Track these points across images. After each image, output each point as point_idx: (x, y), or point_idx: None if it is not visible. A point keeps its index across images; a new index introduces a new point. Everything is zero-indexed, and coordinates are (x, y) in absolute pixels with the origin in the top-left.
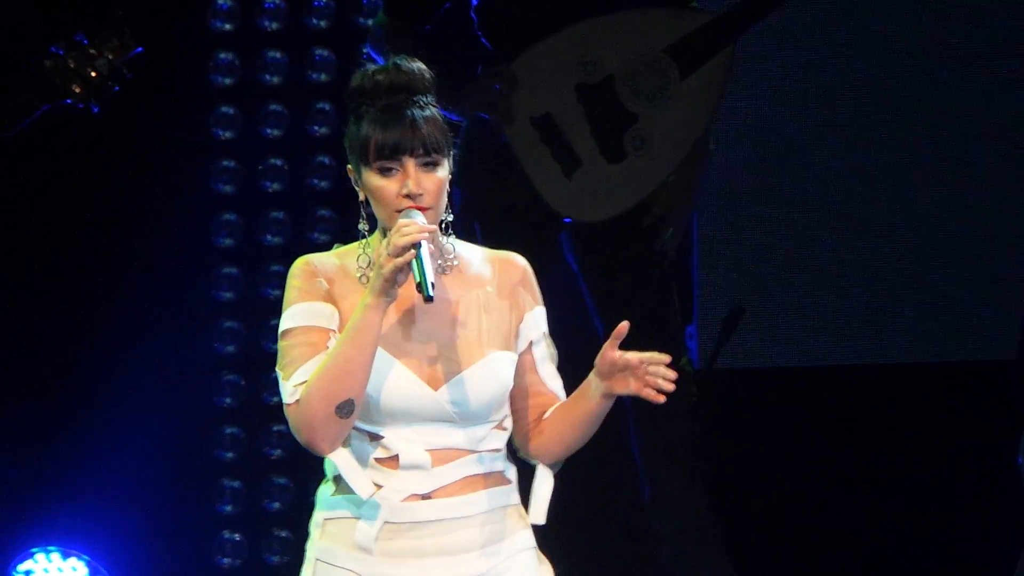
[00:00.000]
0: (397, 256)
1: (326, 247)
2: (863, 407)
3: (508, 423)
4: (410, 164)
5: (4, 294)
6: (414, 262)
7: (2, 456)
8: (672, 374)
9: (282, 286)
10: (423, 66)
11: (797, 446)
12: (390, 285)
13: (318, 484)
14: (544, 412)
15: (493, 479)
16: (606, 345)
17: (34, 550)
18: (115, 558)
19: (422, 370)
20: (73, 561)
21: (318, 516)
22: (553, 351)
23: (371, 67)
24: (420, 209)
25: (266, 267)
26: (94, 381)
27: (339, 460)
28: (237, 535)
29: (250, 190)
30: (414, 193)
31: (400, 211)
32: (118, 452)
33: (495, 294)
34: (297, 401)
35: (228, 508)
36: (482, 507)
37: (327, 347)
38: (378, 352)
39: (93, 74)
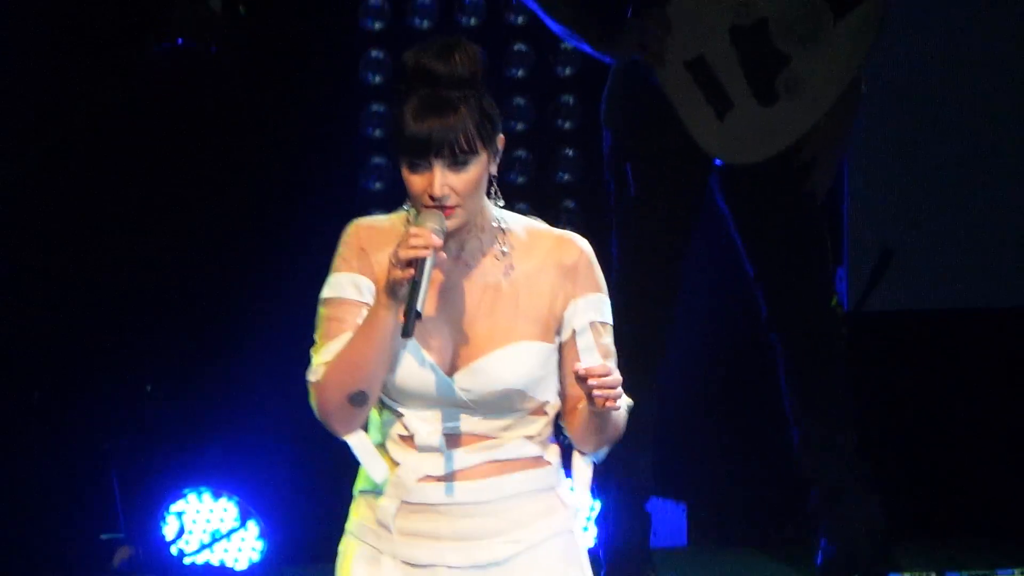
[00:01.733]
0: (400, 268)
1: None
2: (1015, 350)
3: (551, 407)
4: (437, 164)
5: (166, 247)
6: (408, 284)
7: (156, 398)
8: (613, 381)
9: None
10: (475, 53)
11: (946, 388)
12: (395, 291)
13: None
14: (580, 403)
15: (523, 464)
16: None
17: (186, 490)
18: (265, 499)
19: (441, 354)
20: (224, 501)
21: (355, 489)
22: (606, 341)
23: (419, 48)
24: (447, 210)
25: None
26: (248, 325)
27: (354, 442)
28: None
29: (395, 185)
30: (436, 196)
31: (426, 207)
32: (269, 393)
33: (537, 277)
34: (317, 381)
35: None
36: (505, 491)
37: (357, 322)
38: None
39: (208, 13)
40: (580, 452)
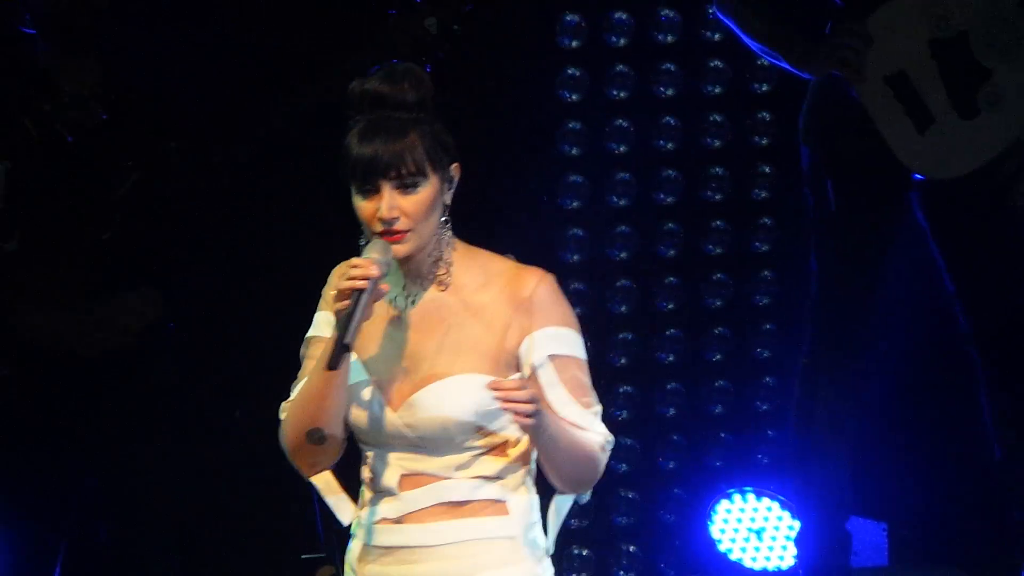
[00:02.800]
0: (338, 300)
1: (765, 257)
2: None
3: (516, 449)
4: (385, 187)
5: None
6: (342, 316)
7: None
8: (520, 395)
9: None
10: (424, 78)
11: None
12: (339, 323)
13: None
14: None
15: (476, 508)
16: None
17: (731, 491)
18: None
19: (388, 389)
20: (767, 501)
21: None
22: (576, 374)
23: (365, 76)
24: (396, 234)
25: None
26: None
27: (320, 484)
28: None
29: (597, 201)
30: (387, 218)
31: (377, 233)
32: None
33: (489, 309)
34: (283, 420)
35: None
36: (453, 536)
37: None
38: (357, 369)
39: (424, 33)
40: (558, 492)
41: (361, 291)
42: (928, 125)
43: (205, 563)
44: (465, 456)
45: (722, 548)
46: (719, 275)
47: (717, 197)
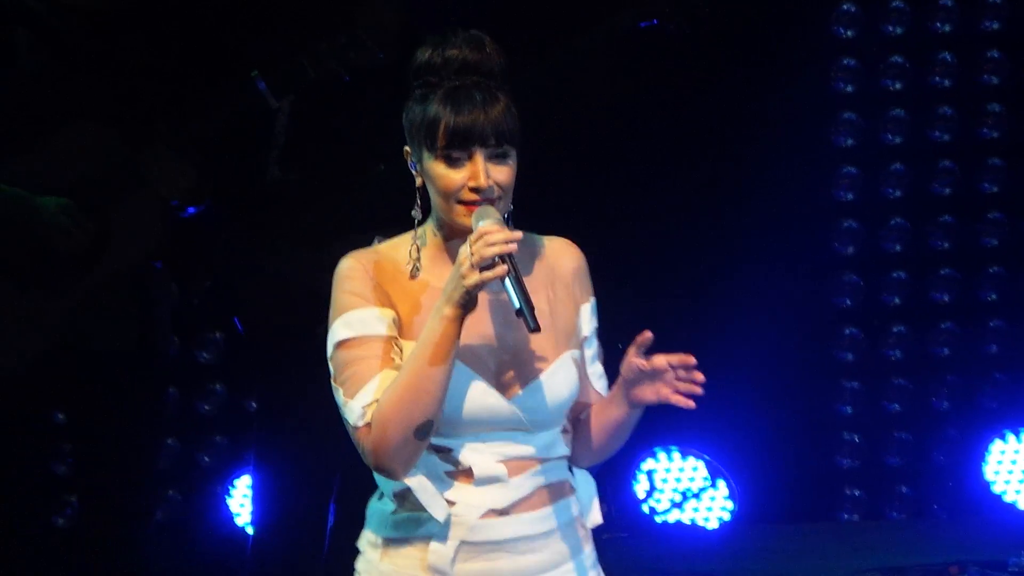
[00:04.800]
0: (484, 269)
1: (993, 252)
2: None
3: (568, 425)
4: (479, 155)
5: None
6: (508, 282)
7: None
8: (701, 377)
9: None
10: (496, 47)
11: None
12: (471, 297)
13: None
14: (583, 412)
15: (560, 490)
16: (630, 351)
17: (656, 449)
18: (731, 458)
19: (494, 378)
20: (692, 460)
21: (374, 536)
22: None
23: (440, 41)
24: (486, 203)
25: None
26: (720, 292)
27: (415, 484)
28: (855, 435)
29: (872, 195)
30: (484, 187)
31: (462, 202)
32: (739, 359)
33: (557, 285)
34: (368, 424)
35: (847, 409)
36: (554, 523)
37: (391, 359)
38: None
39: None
40: (578, 467)
41: (511, 255)
42: None
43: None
44: (555, 434)
45: (995, 490)
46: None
47: (946, 192)
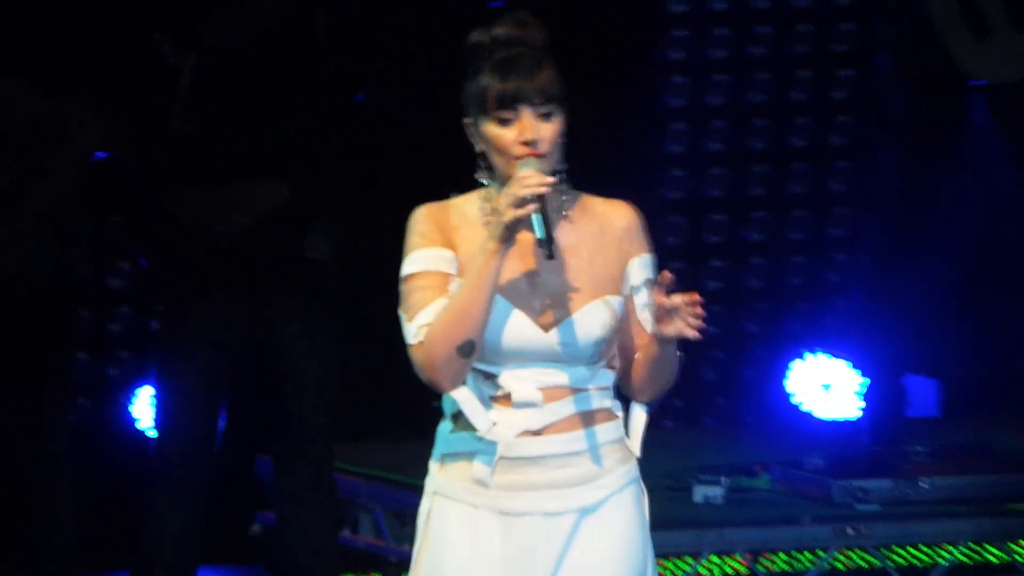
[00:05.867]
0: (518, 207)
1: (798, 198)
2: None
3: (616, 362)
4: (526, 113)
5: None
6: (535, 217)
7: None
8: (700, 312)
9: None
10: (538, 22)
11: None
12: (509, 233)
13: None
14: (637, 354)
15: (601, 415)
16: (656, 291)
17: (804, 352)
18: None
19: (535, 313)
20: (840, 362)
21: (437, 452)
22: (652, 298)
23: (487, 24)
24: (537, 156)
25: None
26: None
27: (460, 397)
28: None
29: (698, 151)
30: (530, 140)
31: (518, 158)
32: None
33: (604, 239)
34: (421, 342)
35: None
36: (590, 443)
37: (448, 291)
38: (496, 298)
39: None
40: (636, 402)
41: (543, 195)
42: (987, 34)
43: None
44: (594, 368)
45: (795, 401)
46: None
47: (802, 144)
